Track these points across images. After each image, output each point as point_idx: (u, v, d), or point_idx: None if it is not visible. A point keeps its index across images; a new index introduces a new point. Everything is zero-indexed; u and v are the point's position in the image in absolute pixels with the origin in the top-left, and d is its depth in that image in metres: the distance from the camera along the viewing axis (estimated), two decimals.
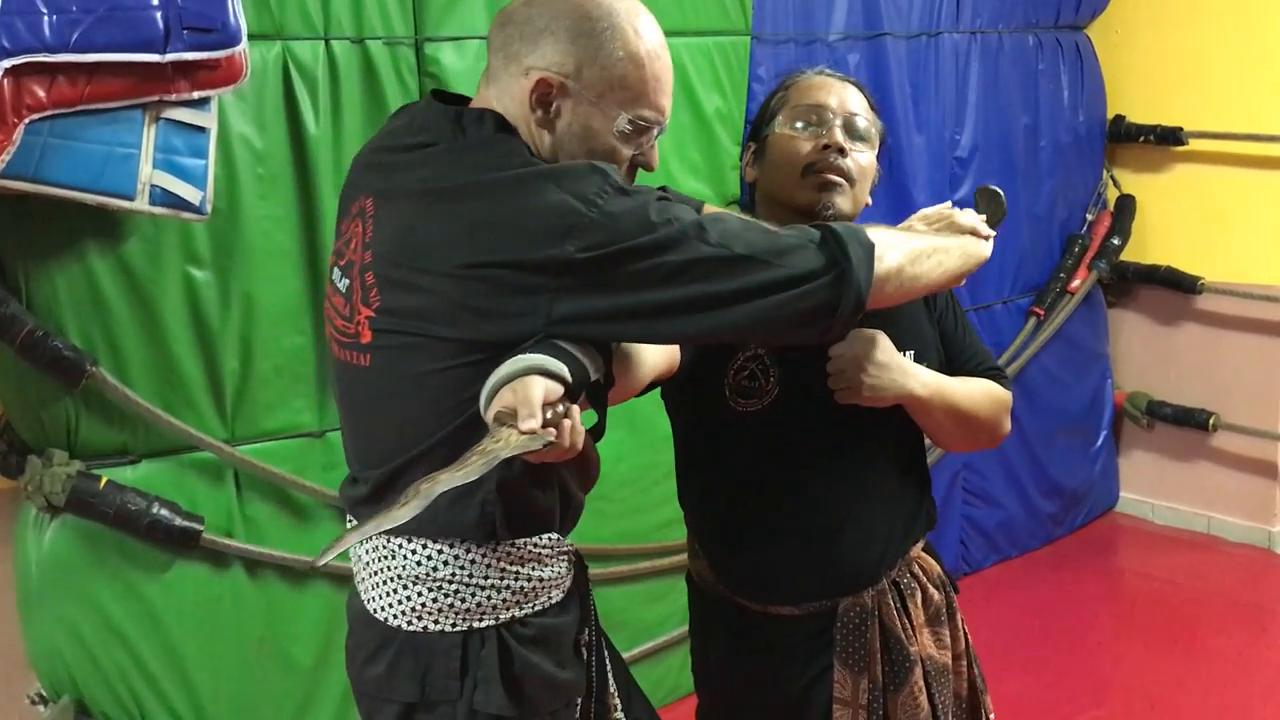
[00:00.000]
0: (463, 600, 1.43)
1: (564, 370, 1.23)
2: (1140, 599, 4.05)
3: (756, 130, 1.82)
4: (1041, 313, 4.20)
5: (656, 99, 1.42)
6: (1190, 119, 4.22)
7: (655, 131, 1.45)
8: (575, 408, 1.26)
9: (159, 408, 2.41)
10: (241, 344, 2.50)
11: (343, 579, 2.68)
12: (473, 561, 1.42)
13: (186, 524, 2.43)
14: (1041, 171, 4.18)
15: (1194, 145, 4.23)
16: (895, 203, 3.52)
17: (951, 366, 1.82)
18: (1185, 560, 4.26)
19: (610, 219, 1.28)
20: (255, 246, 2.50)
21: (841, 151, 1.71)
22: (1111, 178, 4.46)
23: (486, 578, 1.43)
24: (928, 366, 1.73)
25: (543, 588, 1.48)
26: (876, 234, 1.45)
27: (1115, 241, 4.32)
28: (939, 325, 1.83)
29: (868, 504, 1.76)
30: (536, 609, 1.47)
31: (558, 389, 1.22)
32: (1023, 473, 4.24)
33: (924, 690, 1.80)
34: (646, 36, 1.41)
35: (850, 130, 1.74)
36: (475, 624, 1.44)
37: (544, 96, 1.38)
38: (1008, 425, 1.85)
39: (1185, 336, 4.40)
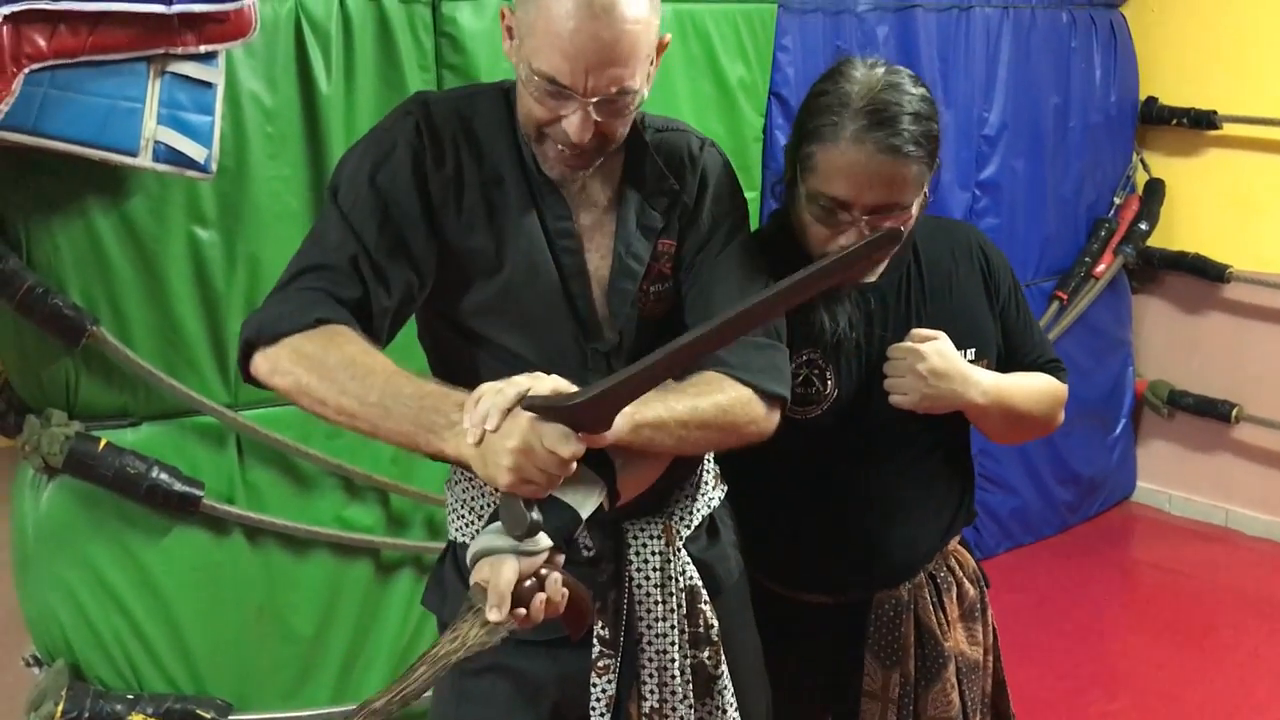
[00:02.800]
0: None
1: (541, 544, 1.25)
2: (1155, 591, 4.00)
3: (793, 149, 1.64)
4: (1065, 297, 4.13)
5: (558, 60, 1.32)
6: (1224, 103, 4.12)
7: (569, 101, 1.35)
8: (554, 575, 1.28)
9: (161, 369, 2.36)
10: (247, 306, 2.45)
11: (343, 548, 2.64)
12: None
13: (186, 489, 2.38)
14: (1070, 152, 4.10)
15: (1227, 130, 4.14)
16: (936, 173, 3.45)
17: (1010, 359, 1.78)
18: (1202, 553, 4.21)
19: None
20: (263, 207, 2.44)
21: None
22: (1141, 161, 4.38)
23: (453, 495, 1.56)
24: (987, 362, 1.70)
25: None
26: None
27: (1143, 226, 4.25)
28: (1001, 318, 1.78)
29: (914, 502, 1.75)
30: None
31: (534, 563, 1.25)
32: (1039, 459, 4.18)
33: (955, 687, 1.77)
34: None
35: (879, 216, 1.56)
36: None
37: (509, 27, 1.41)
38: (1061, 418, 1.82)
39: (1210, 325, 4.33)
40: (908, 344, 1.64)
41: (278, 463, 2.55)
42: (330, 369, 1.29)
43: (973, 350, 1.69)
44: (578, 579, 1.34)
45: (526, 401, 1.21)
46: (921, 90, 1.58)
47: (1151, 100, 4.30)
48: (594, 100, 1.35)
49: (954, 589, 1.79)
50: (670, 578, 1.53)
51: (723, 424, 1.39)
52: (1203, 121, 4.16)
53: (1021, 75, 3.87)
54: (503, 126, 1.46)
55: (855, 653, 1.75)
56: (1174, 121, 4.23)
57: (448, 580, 1.57)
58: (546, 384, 1.24)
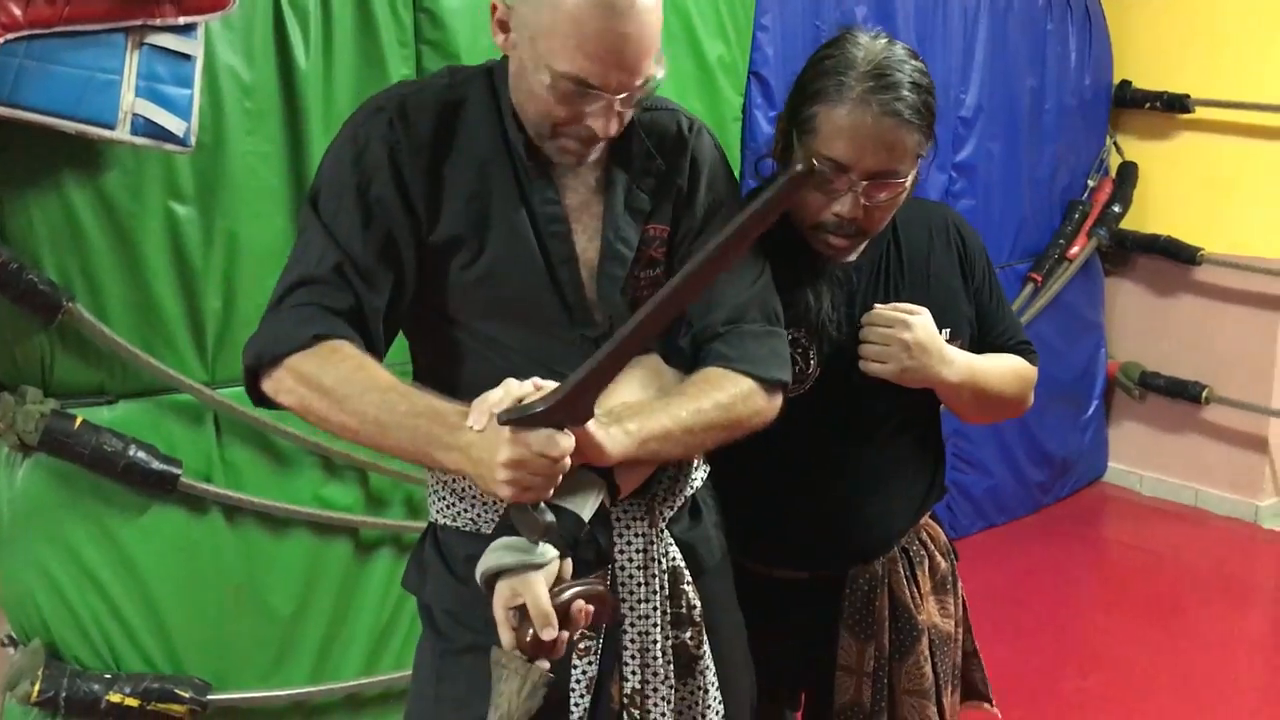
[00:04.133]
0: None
1: (549, 553, 1.25)
2: (1126, 570, 4.04)
3: (790, 115, 1.62)
4: (1040, 279, 4.16)
5: (585, 61, 1.29)
6: (1197, 86, 4.16)
7: (597, 98, 1.33)
8: (575, 589, 1.28)
9: (137, 347, 2.33)
10: (224, 283, 2.43)
11: (322, 527, 2.62)
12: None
13: (164, 467, 2.36)
14: (1045, 135, 4.12)
15: (1200, 113, 4.18)
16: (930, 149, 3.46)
17: (982, 340, 1.79)
18: (1171, 532, 4.27)
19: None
20: (241, 183, 2.41)
21: (855, 220, 1.57)
22: (1115, 144, 4.41)
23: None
24: (960, 343, 1.70)
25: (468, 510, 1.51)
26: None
27: (1116, 209, 4.28)
28: (975, 299, 1.79)
29: (889, 478, 1.75)
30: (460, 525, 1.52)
31: (552, 571, 1.25)
32: (1012, 440, 4.22)
33: (928, 659, 1.78)
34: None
35: (875, 185, 1.56)
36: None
37: (501, 21, 1.37)
38: (1031, 400, 1.83)
39: (1182, 308, 4.37)
40: (892, 311, 1.64)
41: (256, 441, 2.53)
42: (328, 388, 1.31)
43: (948, 330, 1.69)
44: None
45: (501, 417, 1.22)
46: (920, 64, 1.59)
47: (1125, 84, 4.33)
48: (621, 95, 1.34)
49: (926, 562, 1.80)
50: (653, 559, 1.52)
51: (727, 422, 1.40)
52: (1175, 105, 4.20)
53: (998, 58, 3.89)
54: (489, 111, 1.44)
55: (830, 627, 1.76)
56: (1147, 105, 4.27)
57: (429, 561, 1.55)
58: (522, 388, 1.25)
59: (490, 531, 1.35)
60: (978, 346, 1.77)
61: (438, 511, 1.56)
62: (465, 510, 1.51)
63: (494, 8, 1.37)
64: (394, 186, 1.40)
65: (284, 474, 2.57)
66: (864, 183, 1.54)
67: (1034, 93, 4.04)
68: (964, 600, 1.89)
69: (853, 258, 1.69)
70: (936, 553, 1.83)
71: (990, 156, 3.92)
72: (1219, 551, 4.10)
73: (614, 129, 1.38)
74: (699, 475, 1.63)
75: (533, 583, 1.23)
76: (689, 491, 1.59)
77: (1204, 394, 4.26)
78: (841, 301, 1.67)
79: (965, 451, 4.07)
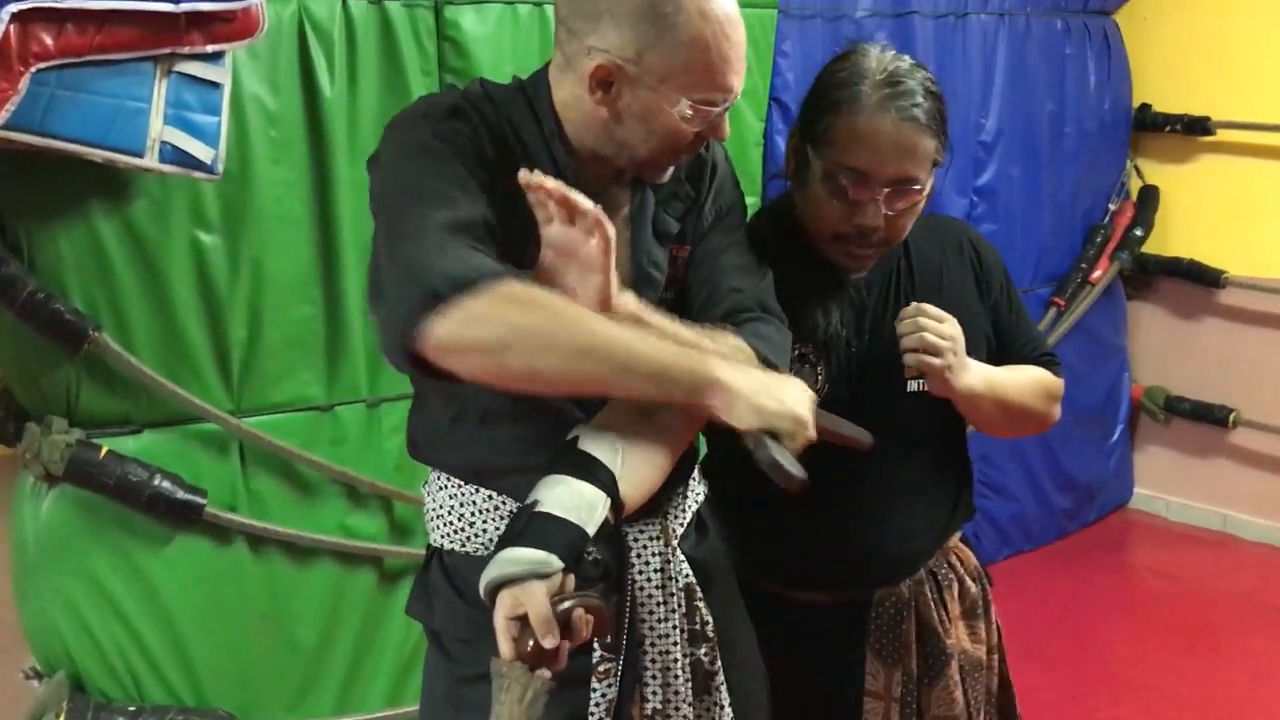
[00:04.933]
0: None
1: (554, 564, 1.24)
2: (1154, 597, 3.98)
3: (804, 130, 1.61)
4: (1062, 303, 4.13)
5: (724, 80, 1.35)
6: (1218, 108, 4.13)
7: (724, 107, 1.38)
8: (575, 600, 1.26)
9: (163, 376, 2.33)
10: (250, 312, 2.42)
11: (347, 557, 2.61)
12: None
13: (189, 497, 2.35)
14: (1065, 159, 4.10)
15: (1221, 135, 4.14)
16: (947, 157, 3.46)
17: (1003, 354, 1.76)
18: (1200, 558, 4.20)
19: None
20: (266, 212, 2.41)
21: (877, 229, 1.56)
22: (1135, 167, 4.38)
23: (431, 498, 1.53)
24: (976, 359, 1.67)
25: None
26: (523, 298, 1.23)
27: (1138, 232, 4.25)
28: (993, 314, 1.76)
29: (910, 496, 1.72)
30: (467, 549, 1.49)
31: (555, 583, 1.24)
32: (1037, 466, 4.17)
33: (959, 685, 1.75)
34: (714, 15, 1.32)
35: (896, 193, 1.54)
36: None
37: (604, 80, 1.35)
38: (1058, 412, 1.79)
39: (1206, 331, 4.32)
40: (935, 309, 1.59)
41: (280, 470, 2.52)
42: (558, 309, 1.23)
43: (963, 335, 1.66)
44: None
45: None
46: (929, 74, 1.59)
47: (1145, 107, 4.31)
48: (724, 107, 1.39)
49: (955, 586, 1.77)
50: (670, 578, 1.51)
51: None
52: (1196, 128, 4.16)
53: (1017, 82, 3.88)
54: (534, 134, 1.43)
55: (857, 652, 1.72)
56: (1167, 128, 4.24)
57: (436, 587, 1.53)
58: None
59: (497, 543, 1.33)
60: (998, 361, 1.73)
61: (442, 536, 1.52)
62: (476, 535, 1.48)
63: (597, 69, 1.33)
64: (481, 168, 1.36)
65: (308, 503, 2.56)
66: (885, 190, 1.52)
67: (1053, 117, 4.02)
68: (999, 627, 1.86)
69: (862, 274, 1.66)
70: (966, 576, 1.79)
71: (1011, 181, 3.90)
72: (1249, 577, 4.03)
73: (727, 131, 1.42)
74: (701, 490, 1.62)
75: (534, 591, 1.21)
76: (695, 507, 1.59)
77: (1231, 417, 4.21)
78: (850, 318, 1.66)
79: (989, 477, 4.03)
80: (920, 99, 1.52)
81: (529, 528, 1.25)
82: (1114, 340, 4.39)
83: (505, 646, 1.22)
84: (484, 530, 1.48)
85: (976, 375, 1.62)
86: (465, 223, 1.28)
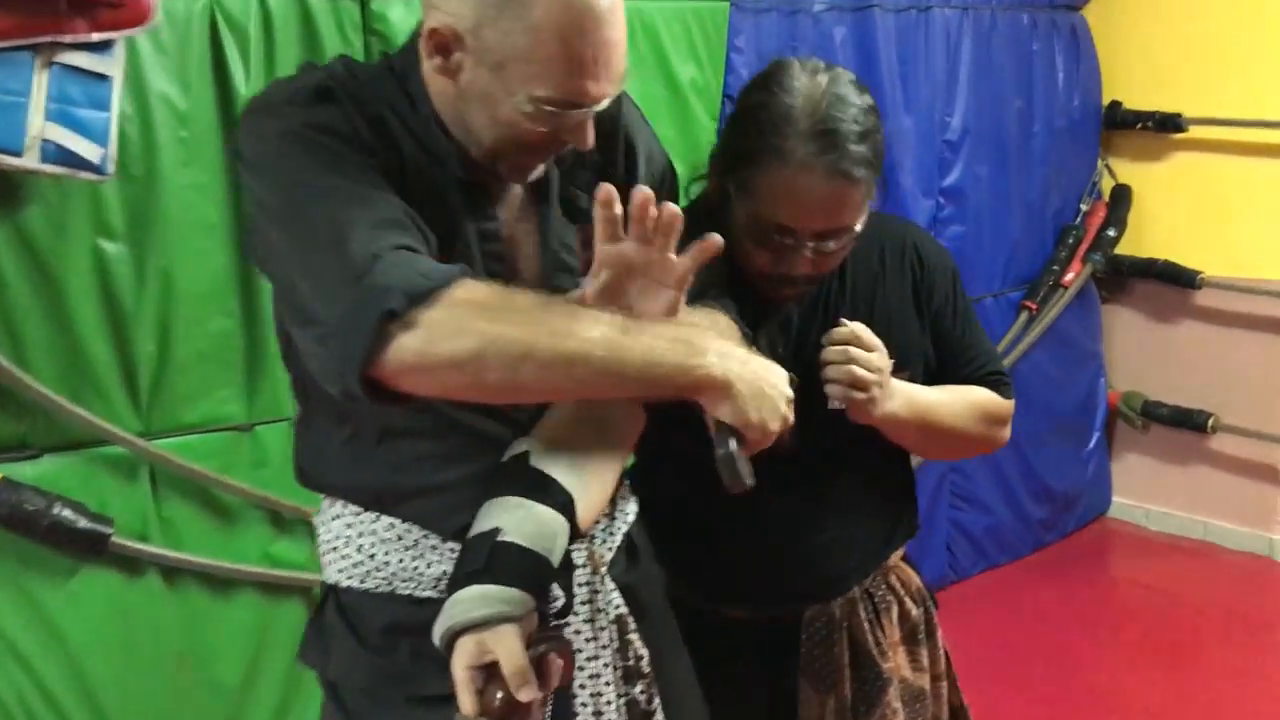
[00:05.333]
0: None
1: (527, 603, 1.13)
2: (1134, 609, 3.91)
3: (724, 170, 1.51)
4: (1034, 307, 4.03)
5: (577, 83, 1.17)
6: (1190, 105, 4.06)
7: (580, 112, 1.20)
8: (548, 643, 1.16)
9: (62, 396, 2.16)
10: (159, 326, 2.26)
11: (271, 588, 2.45)
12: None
13: (93, 526, 2.18)
14: (1034, 158, 4.01)
15: (1194, 132, 4.07)
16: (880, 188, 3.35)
17: (944, 371, 1.65)
18: (1181, 568, 4.13)
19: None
20: (176, 218, 2.25)
21: (804, 276, 1.51)
22: (1106, 166, 4.31)
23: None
24: (908, 375, 1.59)
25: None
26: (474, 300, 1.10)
27: (1111, 233, 4.17)
28: (933, 327, 1.65)
29: (844, 511, 1.64)
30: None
31: (529, 625, 1.13)
32: (1012, 476, 4.08)
33: (898, 713, 1.67)
34: (577, 4, 1.14)
35: (825, 241, 1.48)
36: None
37: (441, 45, 1.18)
38: (1003, 436, 1.70)
39: (1183, 334, 4.25)
40: (862, 333, 1.51)
41: (196, 495, 2.35)
42: (527, 310, 1.10)
43: (890, 363, 1.56)
44: None
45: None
46: (865, 100, 1.48)
47: (1115, 104, 4.24)
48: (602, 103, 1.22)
49: (894, 608, 1.69)
50: (599, 610, 1.36)
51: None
52: (1168, 124, 4.09)
53: (983, 79, 3.78)
54: (404, 109, 1.25)
55: (790, 680, 1.64)
56: (1139, 125, 4.17)
57: (331, 631, 1.35)
58: None
59: (446, 587, 1.18)
60: (938, 380, 1.64)
61: (340, 571, 1.34)
62: (377, 569, 1.31)
63: (432, 32, 1.18)
64: (371, 159, 1.19)
65: (228, 530, 2.40)
66: (810, 243, 1.46)
67: (1021, 114, 3.93)
68: (946, 653, 1.78)
69: (792, 302, 1.60)
70: (907, 598, 1.71)
71: (978, 181, 3.80)
72: (1232, 587, 3.96)
73: (593, 138, 1.23)
74: (632, 509, 1.47)
75: (506, 636, 1.09)
76: (625, 529, 1.44)
77: (1210, 422, 4.12)
78: (780, 335, 1.59)
79: (962, 488, 3.93)
80: (853, 145, 1.42)
81: (493, 561, 1.12)
82: (1088, 345, 4.31)
83: (468, 701, 1.07)
84: (386, 564, 1.31)
85: (900, 400, 1.53)
86: (389, 221, 1.12)
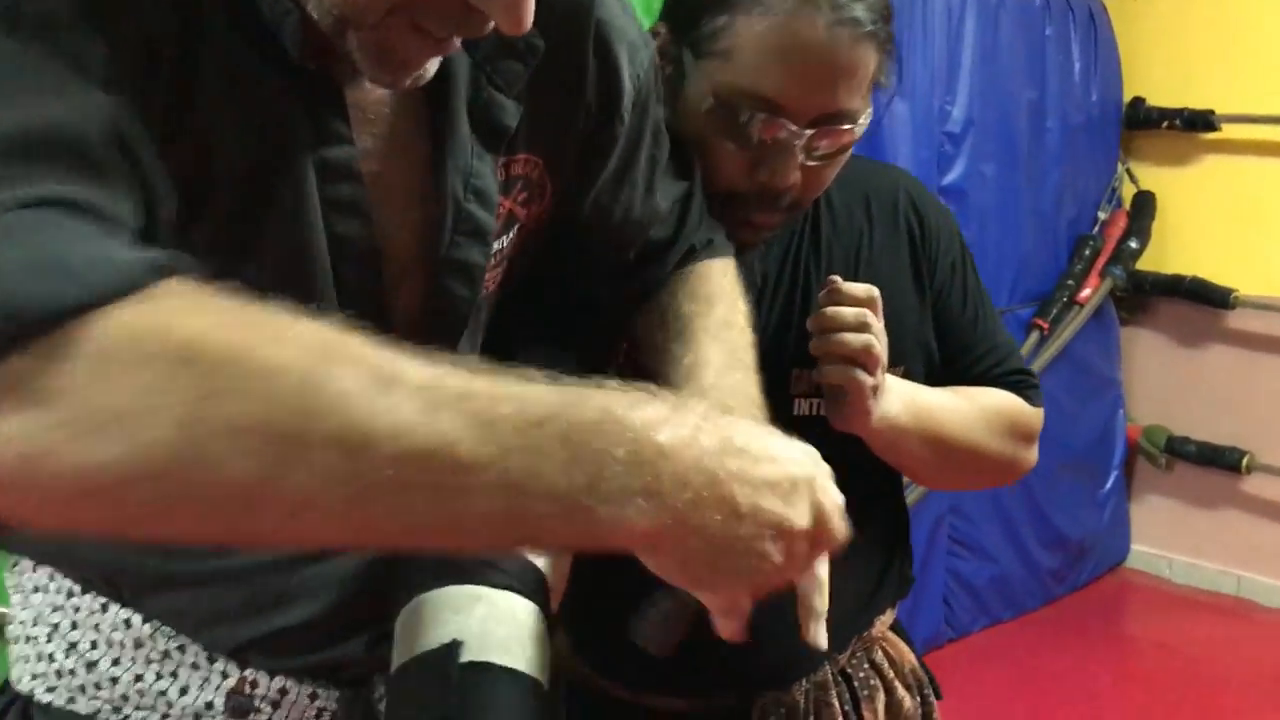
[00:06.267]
0: None
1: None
2: (1156, 672, 3.66)
3: (682, 25, 1.16)
4: (1046, 326, 3.75)
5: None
6: (1223, 101, 3.80)
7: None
8: None
9: None
10: None
11: None
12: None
13: None
14: (1048, 158, 3.70)
15: (1227, 132, 3.82)
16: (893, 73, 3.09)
17: (952, 367, 1.33)
18: (1210, 627, 3.88)
19: None
20: None
21: (790, 188, 1.15)
22: (1128, 171, 4.04)
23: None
24: (904, 370, 1.29)
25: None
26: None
27: (1132, 245, 3.90)
28: (937, 306, 1.32)
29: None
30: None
31: None
32: (1019, 519, 3.82)
33: None
34: None
35: (822, 134, 1.13)
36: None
37: None
38: (1030, 457, 1.36)
39: (1214, 360, 4.02)
40: (863, 292, 1.16)
41: None
42: (294, 341, 0.58)
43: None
44: None
45: None
46: None
47: (1138, 101, 3.97)
48: None
49: (880, 696, 1.36)
50: None
51: None
52: (1198, 123, 3.84)
53: (989, 63, 3.46)
54: None
55: None
56: (1164, 124, 3.92)
57: None
58: None
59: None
60: (943, 380, 1.32)
61: (35, 677, 0.89)
62: (97, 685, 0.87)
63: None
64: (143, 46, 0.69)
65: None
66: (808, 132, 1.11)
67: (1033, 107, 3.62)
68: None
69: (760, 245, 1.26)
70: (898, 683, 1.37)
71: (983, 180, 3.49)
72: (1267, 649, 3.71)
73: (529, 16, 0.74)
74: None
75: None
76: None
77: (1243, 461, 3.88)
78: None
79: (963, 534, 3.65)
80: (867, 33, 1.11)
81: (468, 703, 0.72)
82: (1106, 371, 4.07)
83: None
84: (113, 679, 0.87)
85: (898, 401, 1.20)
86: (57, 136, 0.61)
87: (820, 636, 0.82)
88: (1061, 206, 3.82)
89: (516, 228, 0.93)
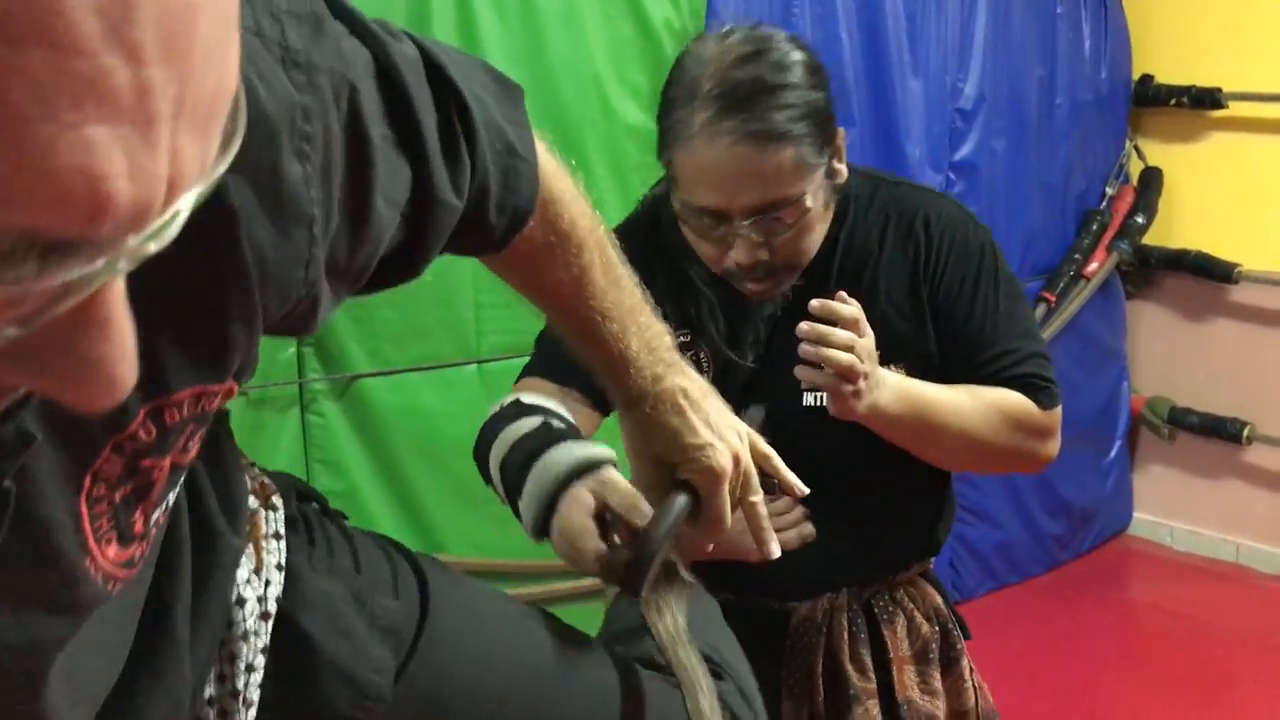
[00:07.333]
0: None
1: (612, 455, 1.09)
2: (1157, 637, 3.72)
3: (659, 155, 1.42)
4: (1053, 299, 3.78)
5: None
6: (1230, 79, 3.78)
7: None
8: None
9: None
10: None
11: None
12: None
13: None
14: (1057, 133, 3.74)
15: (1234, 109, 3.80)
16: (886, 158, 3.14)
17: (952, 369, 1.48)
18: (1210, 593, 3.91)
19: None
20: None
21: (758, 263, 1.39)
22: (1135, 147, 4.04)
23: None
24: (908, 372, 1.47)
25: None
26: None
27: (1139, 220, 3.91)
28: (940, 317, 1.48)
29: (834, 515, 1.52)
30: None
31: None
32: (1024, 487, 3.84)
33: None
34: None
35: (763, 222, 1.36)
36: None
37: None
38: (1045, 450, 1.53)
39: (1217, 333, 4.02)
40: (848, 310, 1.36)
41: None
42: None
43: (876, 353, 1.44)
44: None
45: None
46: (797, 55, 1.36)
47: (1147, 79, 3.97)
48: None
49: (900, 621, 1.59)
50: None
51: None
52: (1205, 100, 3.81)
53: (1001, 41, 3.50)
54: None
55: (773, 683, 1.54)
56: (1172, 101, 3.90)
57: None
58: None
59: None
60: (952, 377, 1.47)
61: None
62: None
63: None
64: None
65: None
66: (745, 224, 1.35)
67: (1043, 84, 3.65)
68: (978, 689, 1.65)
69: (774, 298, 1.48)
70: (918, 615, 1.59)
71: (994, 156, 3.53)
72: (1265, 615, 3.72)
73: None
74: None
75: (613, 479, 1.06)
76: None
77: (1244, 432, 3.88)
78: (750, 318, 1.50)
79: (970, 500, 3.67)
80: (768, 101, 1.30)
81: (551, 435, 1.11)
82: (1111, 343, 4.08)
83: (591, 561, 1.00)
84: None
85: (889, 392, 1.38)
86: None
87: (773, 546, 1.05)
88: (1070, 182, 3.84)
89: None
